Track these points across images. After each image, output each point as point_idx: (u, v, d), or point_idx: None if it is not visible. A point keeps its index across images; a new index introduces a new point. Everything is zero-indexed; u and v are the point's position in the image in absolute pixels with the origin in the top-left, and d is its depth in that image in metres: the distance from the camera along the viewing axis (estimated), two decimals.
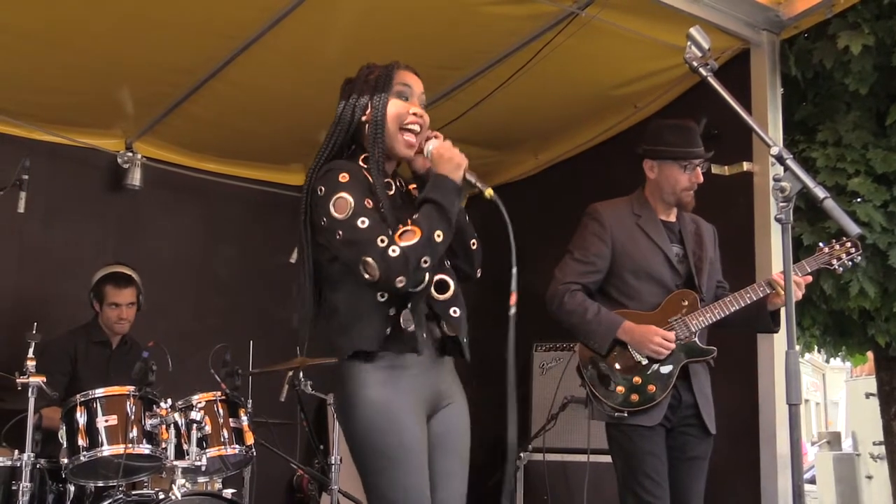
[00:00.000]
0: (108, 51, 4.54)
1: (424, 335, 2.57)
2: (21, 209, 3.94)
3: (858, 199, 4.94)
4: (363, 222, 2.49)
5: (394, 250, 2.45)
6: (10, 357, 4.34)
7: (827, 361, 8.17)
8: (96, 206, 5.55)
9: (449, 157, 2.61)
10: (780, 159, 2.25)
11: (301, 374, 4.79)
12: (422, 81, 2.78)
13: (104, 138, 5.52)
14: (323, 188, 2.56)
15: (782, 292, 3.47)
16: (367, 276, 2.47)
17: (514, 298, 2.52)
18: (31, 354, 3.88)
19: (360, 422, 2.53)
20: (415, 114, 2.70)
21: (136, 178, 5.53)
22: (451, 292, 2.67)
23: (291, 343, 5.07)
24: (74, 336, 4.80)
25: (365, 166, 2.65)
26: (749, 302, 3.54)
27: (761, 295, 3.54)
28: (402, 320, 2.54)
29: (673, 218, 3.73)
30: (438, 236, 2.51)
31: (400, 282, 2.46)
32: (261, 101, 5.16)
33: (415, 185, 2.81)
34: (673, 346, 3.49)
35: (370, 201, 2.54)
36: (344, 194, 2.53)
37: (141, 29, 4.36)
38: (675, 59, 4.80)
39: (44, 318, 4.10)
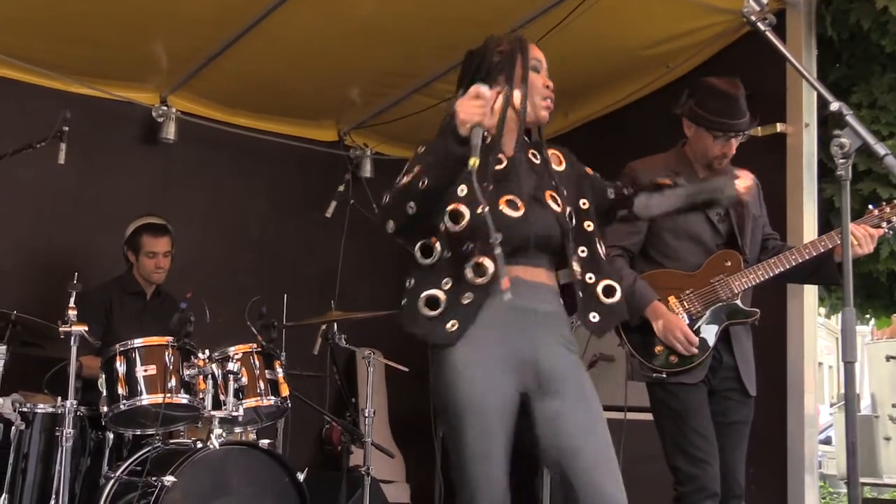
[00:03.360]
0: (143, 2, 4.51)
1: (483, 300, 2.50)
2: (61, 160, 3.91)
3: None
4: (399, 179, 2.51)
5: (385, 197, 2.50)
6: (46, 306, 4.38)
7: (858, 324, 8.12)
8: (131, 159, 5.55)
9: (466, 102, 2.44)
10: (839, 116, 2.20)
11: (335, 328, 4.79)
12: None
13: (139, 92, 5.51)
14: (416, 151, 2.62)
15: (856, 243, 3.40)
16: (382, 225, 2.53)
17: (506, 283, 2.40)
18: (72, 304, 3.87)
19: (442, 380, 2.51)
20: (548, 86, 2.70)
21: (170, 131, 5.52)
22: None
23: (324, 297, 5.08)
24: (109, 287, 4.81)
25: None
26: (796, 264, 3.46)
27: (807, 257, 3.46)
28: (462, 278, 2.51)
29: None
30: (423, 183, 2.42)
31: (389, 227, 2.49)
32: (294, 56, 5.12)
33: (553, 150, 2.80)
34: (694, 350, 3.42)
35: (420, 167, 2.48)
36: (412, 160, 2.56)
37: None
38: (708, 19, 4.76)
39: (80, 269, 4.08)
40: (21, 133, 4.42)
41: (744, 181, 2.83)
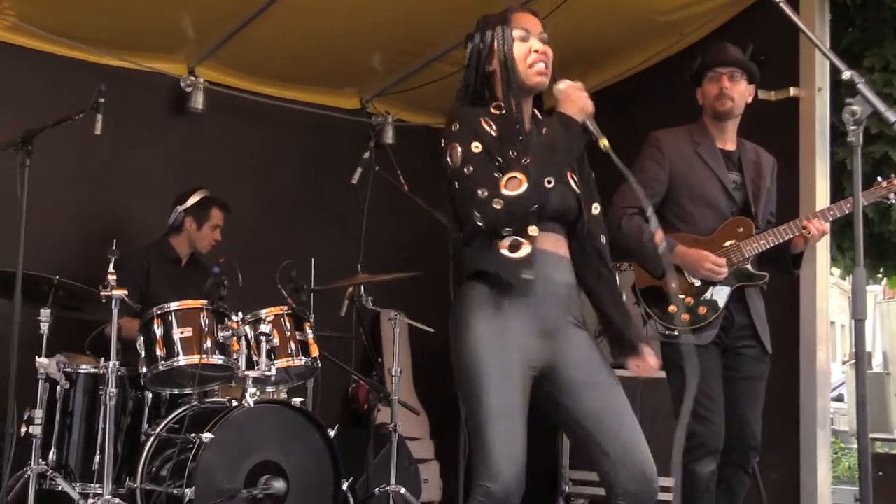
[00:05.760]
0: None
1: (517, 267, 2.54)
2: (98, 131, 3.96)
3: None
4: (469, 169, 2.53)
5: (497, 202, 2.47)
6: (86, 271, 4.45)
7: (868, 284, 8.14)
8: (161, 128, 5.57)
9: (574, 99, 2.57)
10: (851, 83, 2.23)
11: (361, 290, 4.86)
12: (539, 21, 2.77)
13: (168, 63, 5.51)
14: (444, 140, 2.63)
15: (809, 237, 3.53)
16: (478, 223, 2.51)
17: (659, 236, 2.60)
18: (111, 269, 3.96)
19: (464, 344, 2.54)
20: (536, 51, 2.67)
21: (198, 101, 5.53)
22: None
23: (350, 261, 5.15)
24: (147, 252, 4.87)
25: (497, 112, 2.66)
26: (799, 233, 3.54)
27: (813, 225, 3.53)
28: (509, 251, 2.54)
29: (732, 147, 3.73)
30: (549, 182, 2.50)
31: (507, 231, 2.52)
32: (318, 26, 5.13)
33: None
34: (725, 270, 3.51)
35: (478, 145, 2.55)
36: (455, 143, 2.58)
37: None
38: None
39: (117, 235, 4.16)
40: (56, 104, 4.47)
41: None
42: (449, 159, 2.59)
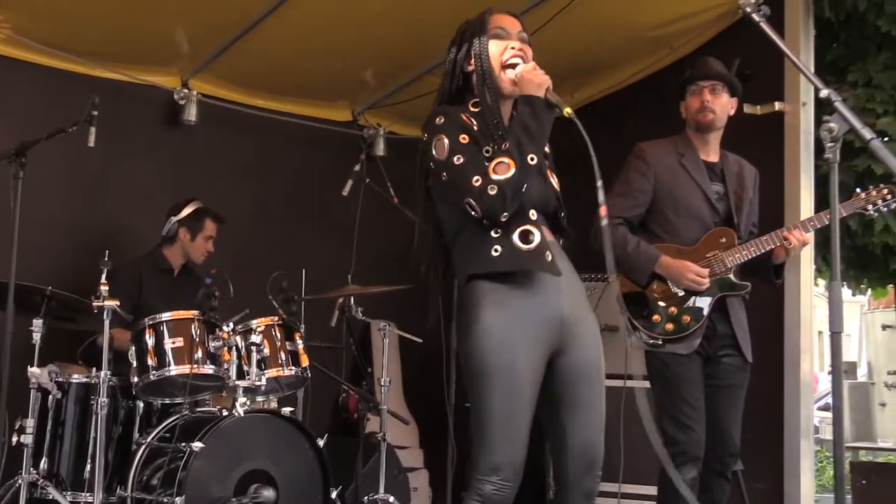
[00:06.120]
0: None
1: (541, 255, 2.57)
2: (91, 143, 3.98)
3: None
4: (458, 159, 2.55)
5: (492, 188, 2.49)
6: (78, 281, 4.47)
7: (853, 295, 8.19)
8: (155, 140, 5.58)
9: (530, 78, 2.60)
10: (828, 102, 2.27)
11: (351, 301, 4.88)
12: (518, 21, 2.80)
13: (162, 76, 5.53)
14: (426, 134, 2.65)
15: (789, 249, 3.56)
16: (472, 213, 2.54)
17: (603, 210, 2.56)
18: (103, 280, 3.98)
19: (472, 344, 2.56)
20: (513, 47, 2.70)
21: (192, 113, 5.54)
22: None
23: (341, 272, 5.17)
24: (140, 263, 4.89)
25: (475, 110, 2.69)
26: (780, 244, 3.58)
27: (795, 234, 3.57)
28: (512, 241, 2.57)
29: (716, 158, 3.77)
30: (532, 159, 2.53)
31: (504, 216, 2.53)
32: (310, 40, 5.15)
33: None
34: (707, 281, 3.54)
35: (465, 136, 2.59)
36: (441, 135, 2.60)
37: None
38: (709, 2, 4.79)
39: (109, 247, 4.17)
40: (50, 116, 4.49)
41: None
42: (435, 151, 2.60)
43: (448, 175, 2.58)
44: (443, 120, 2.64)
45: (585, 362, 2.65)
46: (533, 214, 2.61)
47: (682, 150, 3.72)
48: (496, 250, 2.56)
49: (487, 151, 2.59)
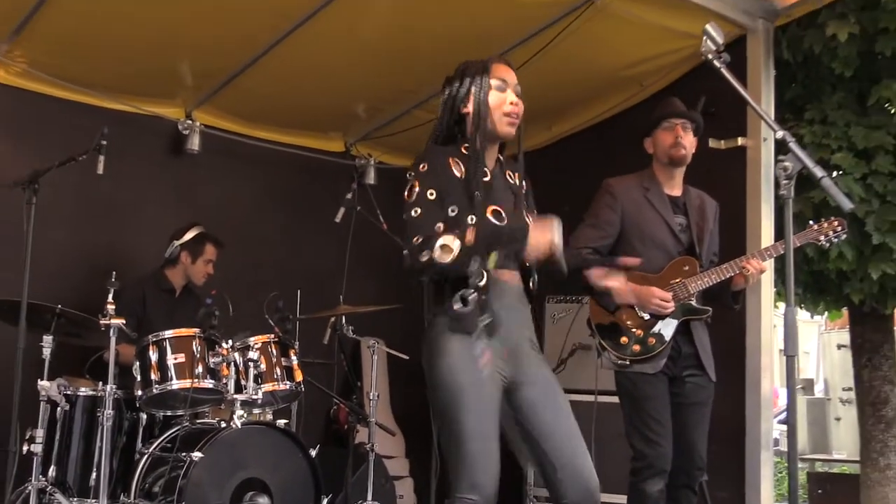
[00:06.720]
0: (170, 28, 4.61)
1: (473, 319, 2.57)
2: (100, 171, 3.99)
3: (840, 172, 4.98)
4: (416, 212, 2.61)
5: (424, 255, 2.51)
6: (86, 300, 4.45)
7: (812, 317, 8.25)
8: (159, 168, 5.60)
9: (535, 245, 2.61)
10: (783, 143, 2.32)
11: (343, 320, 4.90)
12: (514, 73, 2.82)
13: (167, 107, 5.55)
14: (410, 173, 2.69)
15: (748, 277, 3.60)
16: (402, 261, 2.58)
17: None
18: (110, 299, 3.99)
19: (439, 372, 2.59)
20: (513, 103, 2.74)
21: (195, 143, 5.56)
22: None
23: (333, 293, 5.18)
24: (143, 283, 4.89)
25: (465, 152, 2.72)
26: (738, 272, 3.63)
27: (752, 263, 3.62)
28: (453, 301, 2.58)
29: (679, 192, 3.81)
30: (475, 262, 2.53)
31: (422, 280, 2.61)
32: (306, 76, 5.21)
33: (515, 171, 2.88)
34: (671, 305, 3.57)
35: (433, 192, 2.62)
36: (415, 182, 2.65)
37: (201, 9, 4.45)
38: (677, 44, 4.84)
39: (116, 268, 4.18)
40: (62, 144, 4.49)
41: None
42: (406, 193, 2.66)
43: (405, 219, 2.64)
44: (425, 168, 2.68)
45: (543, 387, 2.67)
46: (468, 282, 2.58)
47: (648, 185, 3.77)
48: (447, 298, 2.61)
49: (454, 210, 2.60)
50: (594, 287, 3.32)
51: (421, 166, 2.68)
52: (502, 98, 2.74)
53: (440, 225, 2.57)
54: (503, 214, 2.69)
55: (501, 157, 2.87)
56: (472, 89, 2.74)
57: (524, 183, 2.90)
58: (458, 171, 2.69)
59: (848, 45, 4.92)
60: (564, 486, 2.58)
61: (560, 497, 2.60)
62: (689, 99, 3.98)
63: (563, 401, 2.70)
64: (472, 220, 2.57)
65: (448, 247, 2.50)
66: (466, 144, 2.75)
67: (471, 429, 2.51)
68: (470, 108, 2.74)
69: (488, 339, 2.59)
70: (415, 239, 2.55)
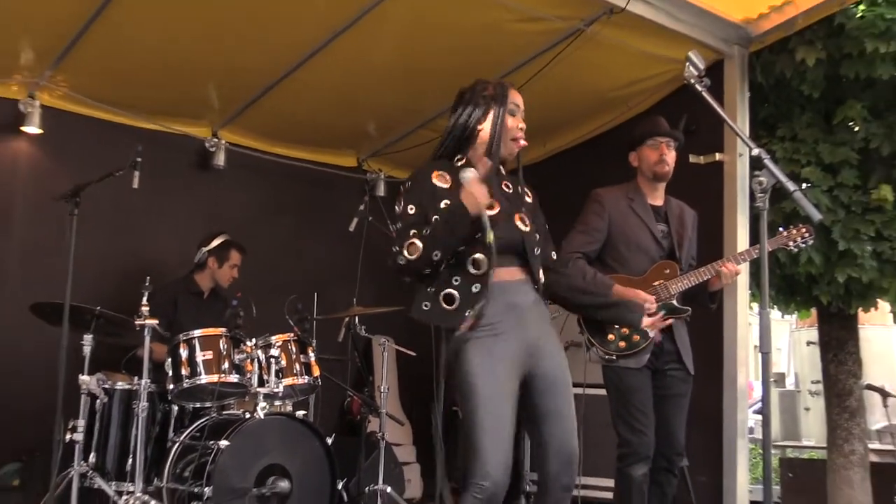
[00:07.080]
0: (198, 57, 4.65)
1: (459, 314, 2.58)
2: (135, 185, 4.00)
3: (809, 185, 4.98)
4: (397, 224, 2.64)
5: (401, 259, 2.57)
6: (122, 302, 4.47)
7: (783, 316, 8.25)
8: (189, 182, 5.62)
9: (469, 192, 2.55)
10: (758, 159, 2.33)
11: (356, 320, 4.90)
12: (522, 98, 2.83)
13: (195, 127, 5.59)
14: (401, 187, 2.73)
15: (722, 279, 3.61)
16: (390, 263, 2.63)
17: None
18: (144, 301, 4.01)
19: (460, 373, 2.59)
20: (522, 128, 2.77)
21: (220, 159, 5.59)
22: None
23: (347, 295, 5.20)
24: (175, 287, 4.90)
25: (458, 165, 2.72)
26: (715, 274, 3.63)
27: (727, 265, 3.62)
28: (438, 300, 2.62)
29: (661, 203, 3.81)
30: (436, 255, 2.56)
31: (408, 280, 2.65)
32: (322, 98, 5.23)
33: (526, 187, 2.89)
34: (654, 306, 3.56)
35: (414, 208, 2.63)
36: (402, 196, 2.69)
37: (226, 42, 4.50)
38: (661, 68, 4.86)
39: (149, 272, 4.21)
40: (101, 161, 4.47)
41: (648, 319, 2.93)
42: (396, 204, 2.72)
43: (394, 226, 2.69)
44: (410, 185, 2.69)
45: (553, 378, 2.68)
46: (456, 280, 2.60)
47: (632, 196, 3.77)
48: (426, 305, 2.64)
49: (436, 219, 2.59)
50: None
51: (407, 183, 2.71)
52: (514, 122, 2.75)
53: (413, 231, 2.59)
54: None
55: (502, 168, 2.85)
56: (492, 111, 2.73)
57: (529, 194, 2.90)
58: (442, 182, 2.68)
59: (815, 69, 4.92)
60: (549, 459, 2.64)
61: (543, 467, 2.66)
62: (672, 117, 3.98)
63: (567, 392, 2.71)
64: (436, 219, 2.59)
65: (414, 244, 2.55)
66: (460, 156, 2.76)
67: (485, 424, 2.53)
68: (485, 127, 2.73)
69: (507, 328, 2.60)
70: (394, 247, 2.60)
